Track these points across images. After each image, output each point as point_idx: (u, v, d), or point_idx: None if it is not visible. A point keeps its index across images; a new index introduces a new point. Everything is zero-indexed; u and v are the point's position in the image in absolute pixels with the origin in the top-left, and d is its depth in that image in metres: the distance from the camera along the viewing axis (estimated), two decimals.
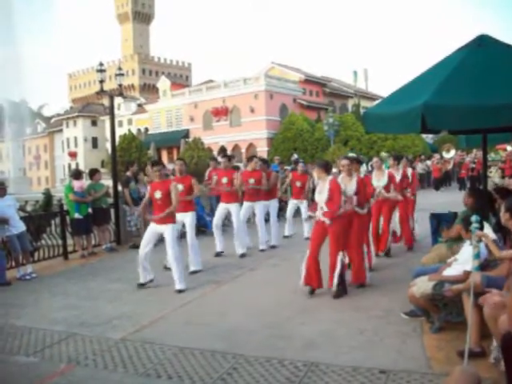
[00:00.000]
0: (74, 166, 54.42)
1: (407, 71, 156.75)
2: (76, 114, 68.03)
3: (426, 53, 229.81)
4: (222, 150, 45.16)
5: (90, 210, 11.10)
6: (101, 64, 13.46)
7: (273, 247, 10.88)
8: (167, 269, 8.65)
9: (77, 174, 11.52)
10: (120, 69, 14.44)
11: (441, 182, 26.37)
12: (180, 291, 7.50)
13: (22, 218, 9.83)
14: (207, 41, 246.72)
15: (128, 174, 12.37)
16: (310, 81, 54.91)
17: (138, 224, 11.63)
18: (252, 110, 48.09)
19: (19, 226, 9.34)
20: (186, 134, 52.15)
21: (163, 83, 59.33)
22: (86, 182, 11.51)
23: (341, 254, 6.78)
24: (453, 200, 14.99)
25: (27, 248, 9.55)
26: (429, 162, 28.36)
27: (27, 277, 9.16)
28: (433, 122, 5.00)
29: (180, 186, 8.60)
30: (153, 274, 8.00)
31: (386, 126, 6.44)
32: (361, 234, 7.55)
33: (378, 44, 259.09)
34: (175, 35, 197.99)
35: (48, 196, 14.18)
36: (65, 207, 11.23)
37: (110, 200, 12.20)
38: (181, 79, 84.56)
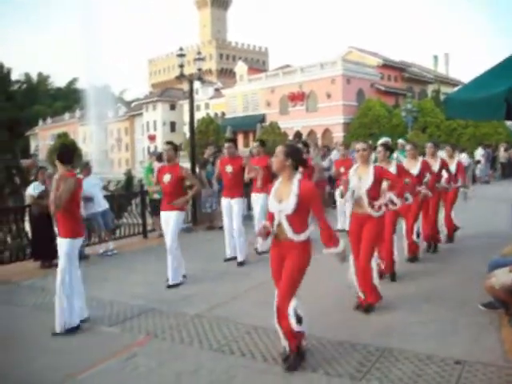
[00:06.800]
0: (152, 149, 56.18)
1: (492, 55, 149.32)
2: (155, 98, 69.85)
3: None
4: (297, 135, 45.03)
5: None
6: (181, 49, 13.77)
7: None
8: (259, 253, 8.03)
9: (159, 157, 11.90)
10: (199, 53, 14.70)
11: None
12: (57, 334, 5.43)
13: (105, 196, 10.31)
14: (284, 25, 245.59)
15: (205, 156, 12.64)
16: (388, 65, 53.57)
17: (214, 205, 11.86)
18: (328, 95, 47.58)
19: (103, 205, 9.80)
20: (262, 118, 52.36)
21: (240, 68, 59.73)
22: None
23: (294, 302, 4.32)
24: None
25: (110, 226, 10.02)
26: None
27: (109, 253, 9.62)
28: None
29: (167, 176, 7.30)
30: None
31: (467, 112, 6.20)
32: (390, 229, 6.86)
33: (460, 27, 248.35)
34: (252, 20, 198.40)
35: (129, 176, 14.74)
36: (145, 188, 11.64)
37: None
38: (257, 64, 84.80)
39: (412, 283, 6.85)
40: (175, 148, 7.51)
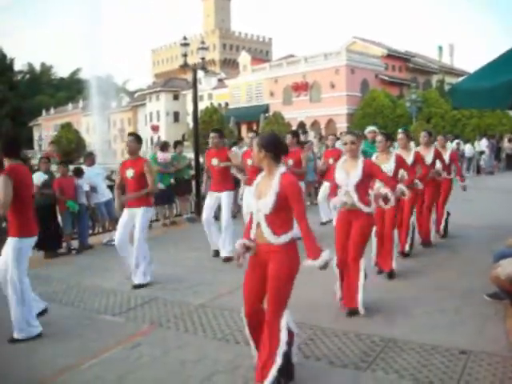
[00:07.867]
0: (155, 139, 56.16)
1: (497, 46, 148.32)
2: (159, 88, 69.71)
3: None
4: (301, 125, 44.96)
5: (172, 181, 11.45)
6: (184, 38, 13.71)
7: None
8: None
9: (163, 146, 11.90)
10: (203, 42, 14.65)
11: None
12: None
13: (108, 186, 10.29)
14: (288, 15, 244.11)
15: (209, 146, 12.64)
16: (392, 56, 53.32)
17: None
18: (332, 86, 47.41)
19: (106, 194, 9.80)
20: (265, 108, 52.25)
21: (244, 58, 59.57)
22: (169, 154, 11.84)
23: (286, 315, 3.78)
24: None
25: (113, 215, 10.00)
26: None
27: (112, 243, 9.58)
28: None
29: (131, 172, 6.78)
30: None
31: (473, 102, 6.18)
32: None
33: (465, 17, 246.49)
34: (256, 10, 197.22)
35: None
36: None
37: (192, 172, 12.53)
38: (261, 54, 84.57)
39: (417, 274, 6.82)
40: (138, 140, 6.96)
